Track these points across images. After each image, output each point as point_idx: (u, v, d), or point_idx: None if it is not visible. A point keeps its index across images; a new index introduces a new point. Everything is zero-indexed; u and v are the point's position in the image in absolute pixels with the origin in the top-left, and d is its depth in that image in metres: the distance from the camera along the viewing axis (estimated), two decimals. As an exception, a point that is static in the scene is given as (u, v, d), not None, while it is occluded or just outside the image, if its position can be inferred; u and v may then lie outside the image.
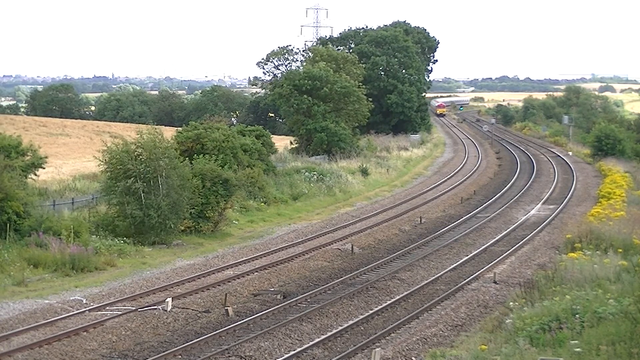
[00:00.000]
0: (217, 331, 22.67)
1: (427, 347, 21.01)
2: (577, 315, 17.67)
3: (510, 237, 38.02)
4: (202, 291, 27.24)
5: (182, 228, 36.45)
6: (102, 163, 35.49)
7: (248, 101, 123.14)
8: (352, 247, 35.03)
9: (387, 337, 22.33)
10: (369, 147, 75.21)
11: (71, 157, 62.33)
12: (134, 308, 24.72)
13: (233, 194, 38.83)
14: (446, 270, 30.87)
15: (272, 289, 28.11)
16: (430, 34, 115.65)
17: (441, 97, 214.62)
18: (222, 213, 38.27)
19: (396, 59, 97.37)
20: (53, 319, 23.25)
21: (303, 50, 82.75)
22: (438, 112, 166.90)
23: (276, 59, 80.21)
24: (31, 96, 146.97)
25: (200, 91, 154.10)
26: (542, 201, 50.58)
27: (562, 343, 16.12)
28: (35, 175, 38.31)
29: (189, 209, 36.00)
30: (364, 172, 60.59)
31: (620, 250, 25.82)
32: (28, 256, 29.05)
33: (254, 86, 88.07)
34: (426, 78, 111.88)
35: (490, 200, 50.86)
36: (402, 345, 21.38)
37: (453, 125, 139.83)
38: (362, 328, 23.44)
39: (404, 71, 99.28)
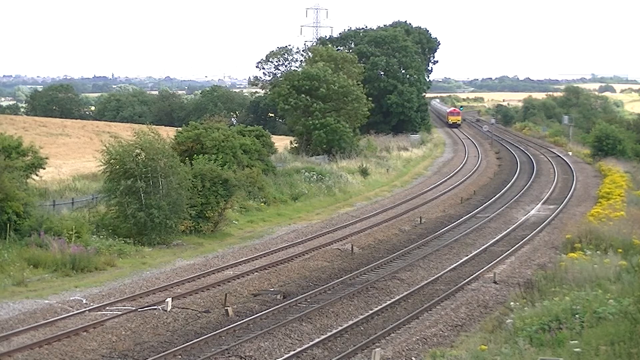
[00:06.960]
0: (217, 331, 22.69)
1: (427, 347, 21.03)
2: (576, 316, 17.67)
3: (510, 237, 38.01)
4: (202, 291, 27.24)
5: (182, 228, 36.44)
6: (102, 164, 35.45)
7: (248, 101, 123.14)
8: (352, 247, 35.03)
9: (387, 337, 22.34)
10: (369, 147, 75.20)
11: (71, 157, 62.35)
12: (133, 308, 24.73)
13: (233, 194, 38.83)
14: (446, 270, 30.88)
15: (272, 289, 28.12)
16: (431, 35, 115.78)
17: (440, 97, 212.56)
18: (222, 213, 38.27)
19: (395, 59, 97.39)
20: (53, 319, 23.25)
21: (303, 51, 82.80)
22: (450, 120, 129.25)
23: (276, 59, 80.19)
24: (31, 96, 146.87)
25: (200, 91, 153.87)
26: (542, 201, 50.58)
27: (562, 343, 16.12)
28: (37, 175, 38.30)
29: (188, 209, 36.00)
30: (364, 172, 60.54)
31: (620, 250, 25.85)
32: (28, 256, 29.06)
33: (254, 86, 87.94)
34: (426, 78, 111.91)
35: (490, 201, 50.86)
36: (402, 345, 21.40)
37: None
38: (362, 328, 23.45)
39: (403, 71, 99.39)
